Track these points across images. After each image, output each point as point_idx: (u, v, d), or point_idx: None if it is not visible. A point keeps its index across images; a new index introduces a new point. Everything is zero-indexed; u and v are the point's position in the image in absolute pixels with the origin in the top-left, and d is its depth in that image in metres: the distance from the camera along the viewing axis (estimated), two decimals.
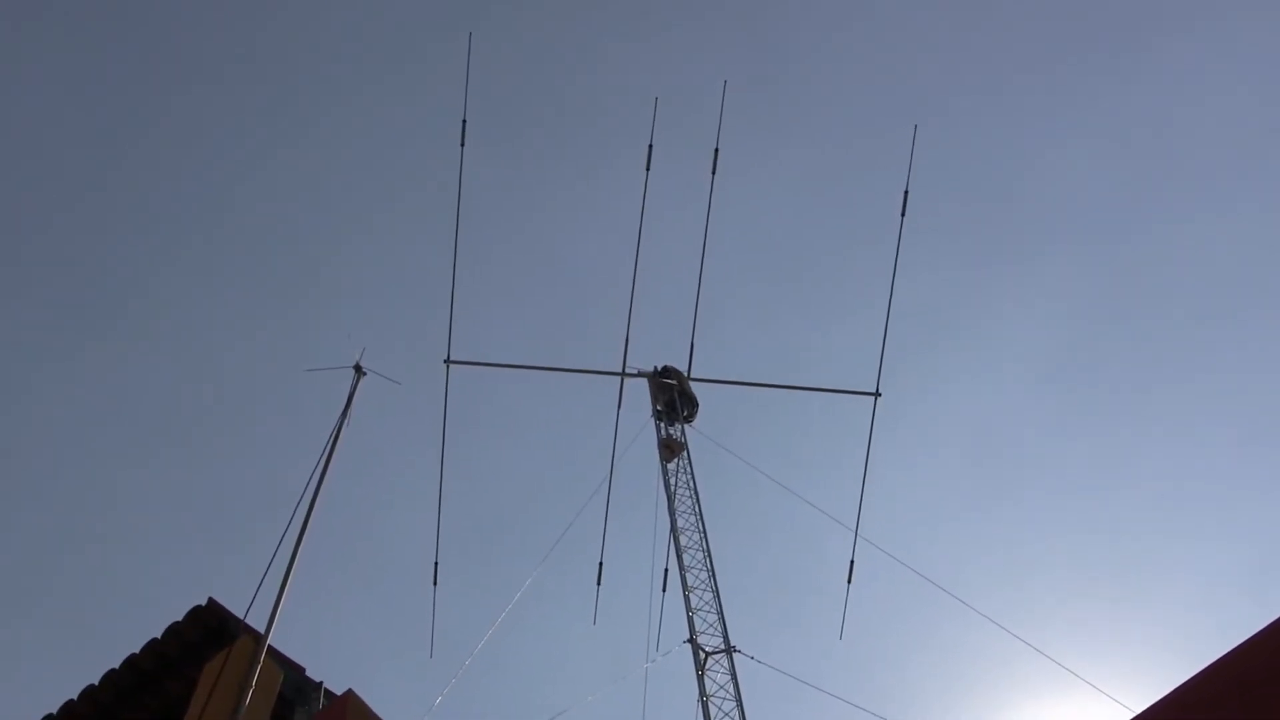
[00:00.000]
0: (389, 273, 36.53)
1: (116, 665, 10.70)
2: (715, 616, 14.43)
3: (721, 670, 13.66)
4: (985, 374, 35.96)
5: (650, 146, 18.12)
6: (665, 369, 18.61)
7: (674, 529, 15.82)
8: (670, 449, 17.38)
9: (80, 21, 33.30)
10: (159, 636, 10.70)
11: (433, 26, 35.83)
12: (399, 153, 36.22)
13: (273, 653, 9.60)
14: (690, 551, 15.43)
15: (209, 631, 10.61)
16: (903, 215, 18.03)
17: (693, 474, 16.88)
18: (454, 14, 34.98)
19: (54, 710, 10.69)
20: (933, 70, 35.73)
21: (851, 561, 17.17)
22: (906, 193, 18.04)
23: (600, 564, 17.62)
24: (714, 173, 18.29)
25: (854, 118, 36.08)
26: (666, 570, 16.45)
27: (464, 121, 17.57)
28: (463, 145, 17.55)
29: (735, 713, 13.11)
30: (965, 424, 35.32)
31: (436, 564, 17.30)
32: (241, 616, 9.83)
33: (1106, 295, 35.22)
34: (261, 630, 9.55)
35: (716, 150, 18.31)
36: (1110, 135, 34.86)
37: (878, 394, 17.80)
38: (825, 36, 36.34)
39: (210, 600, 10.70)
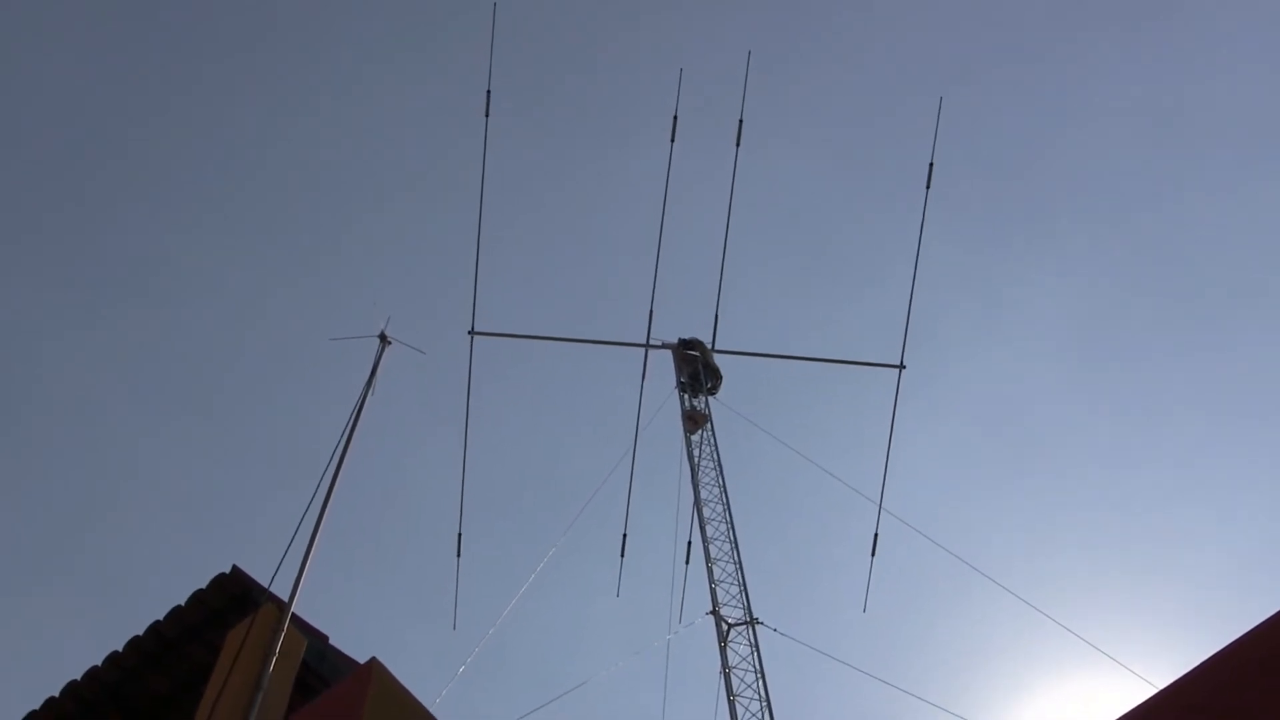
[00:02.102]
0: (414, 243, 36.61)
1: (140, 632, 10.75)
2: (738, 588, 14.44)
3: (744, 642, 13.67)
4: (1008, 347, 35.86)
5: (675, 118, 18.07)
6: (689, 341, 18.59)
7: (697, 501, 15.82)
8: (694, 421, 17.36)
9: None
10: (183, 604, 10.73)
11: None
12: (425, 124, 36.23)
13: (296, 620, 9.62)
14: (713, 523, 15.44)
15: (233, 599, 10.63)
16: (928, 188, 17.95)
17: (716, 446, 16.88)
18: None
19: (78, 676, 10.76)
20: (955, 44, 35.51)
21: (875, 534, 17.16)
22: (931, 165, 17.95)
23: (624, 536, 17.64)
24: (738, 144, 18.25)
25: (878, 90, 35.92)
26: (690, 542, 16.49)
27: (488, 92, 17.55)
28: (487, 116, 17.54)
29: (757, 685, 13.12)
30: (988, 398, 35.24)
31: (460, 535, 17.36)
32: (265, 584, 9.86)
33: (1128, 269, 35.05)
34: (285, 598, 9.58)
35: (741, 121, 18.25)
36: (1133, 108, 34.60)
37: (902, 366, 17.76)
38: (850, 9, 36.14)
39: (234, 568, 10.72)
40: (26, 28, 31.85)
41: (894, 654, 27.64)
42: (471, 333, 17.46)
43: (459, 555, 17.29)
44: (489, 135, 17.50)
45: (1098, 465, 34.25)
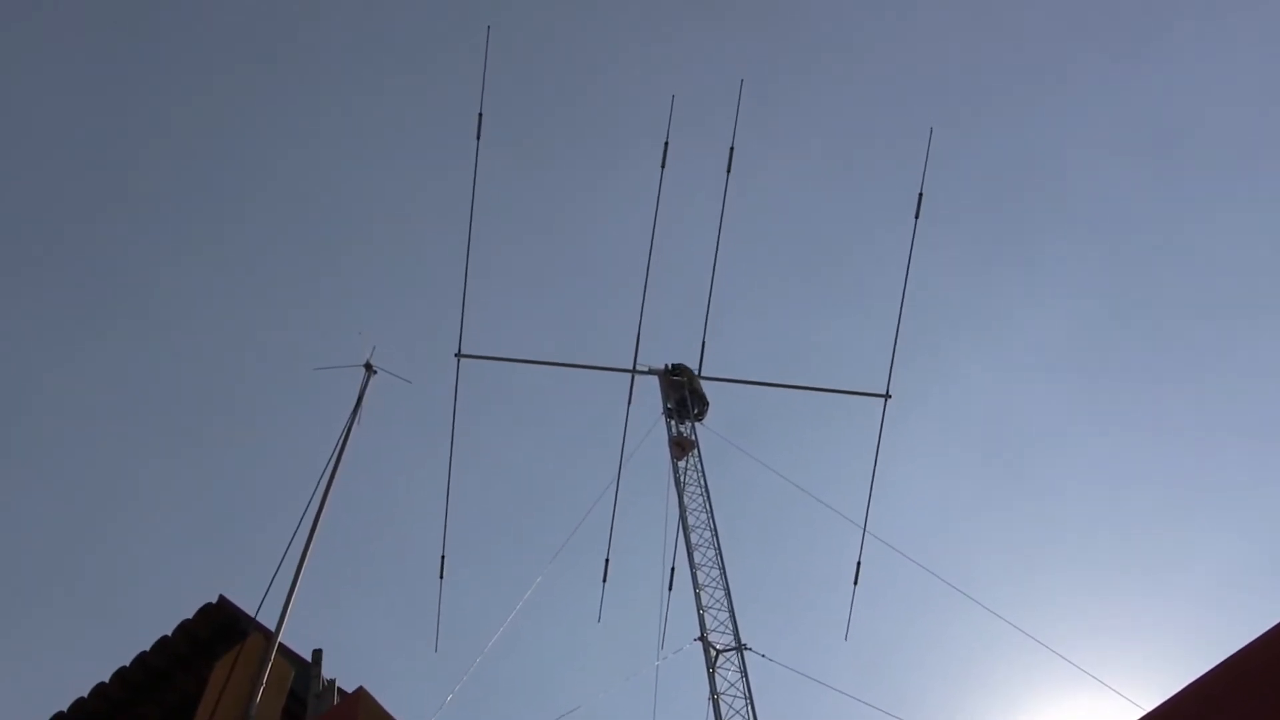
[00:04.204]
0: (402, 267, 36.59)
1: (127, 663, 10.71)
2: (726, 614, 14.43)
3: (732, 668, 13.65)
4: (998, 369, 35.92)
5: (666, 144, 18.08)
6: (675, 367, 18.59)
7: (685, 527, 15.81)
8: (681, 447, 17.34)
9: (91, 13, 33.39)
10: (170, 634, 10.70)
11: (450, 21, 35.86)
12: (413, 148, 36.26)
13: (283, 650, 9.60)
14: (701, 549, 15.42)
15: (220, 629, 10.61)
16: (916, 218, 17.97)
17: (703, 472, 16.86)
18: (472, 9, 35.02)
19: (64, 708, 10.71)
20: (946, 63, 35.70)
21: (858, 562, 17.11)
22: (921, 195, 17.97)
23: (606, 561, 17.60)
24: (729, 171, 18.26)
25: (868, 113, 36.09)
26: (674, 569, 16.49)
27: (480, 115, 17.53)
28: (478, 139, 17.53)
29: (746, 711, 13.10)
30: (978, 419, 35.27)
31: (443, 557, 17.31)
32: (252, 614, 9.84)
33: (1119, 289, 35.17)
34: (272, 627, 9.56)
35: (732, 149, 18.27)
36: (1124, 127, 34.82)
37: (887, 395, 17.77)
38: (838, 33, 36.32)
39: (221, 598, 10.70)
40: (14, 54, 31.90)
41: (884, 678, 27.61)
42: (458, 356, 17.45)
43: (441, 578, 17.27)
44: (480, 158, 17.53)
45: (1090, 485, 34.33)
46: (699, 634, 14.12)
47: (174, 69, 34.39)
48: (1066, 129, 35.14)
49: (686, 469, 16.95)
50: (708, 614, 14.39)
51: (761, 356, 32.75)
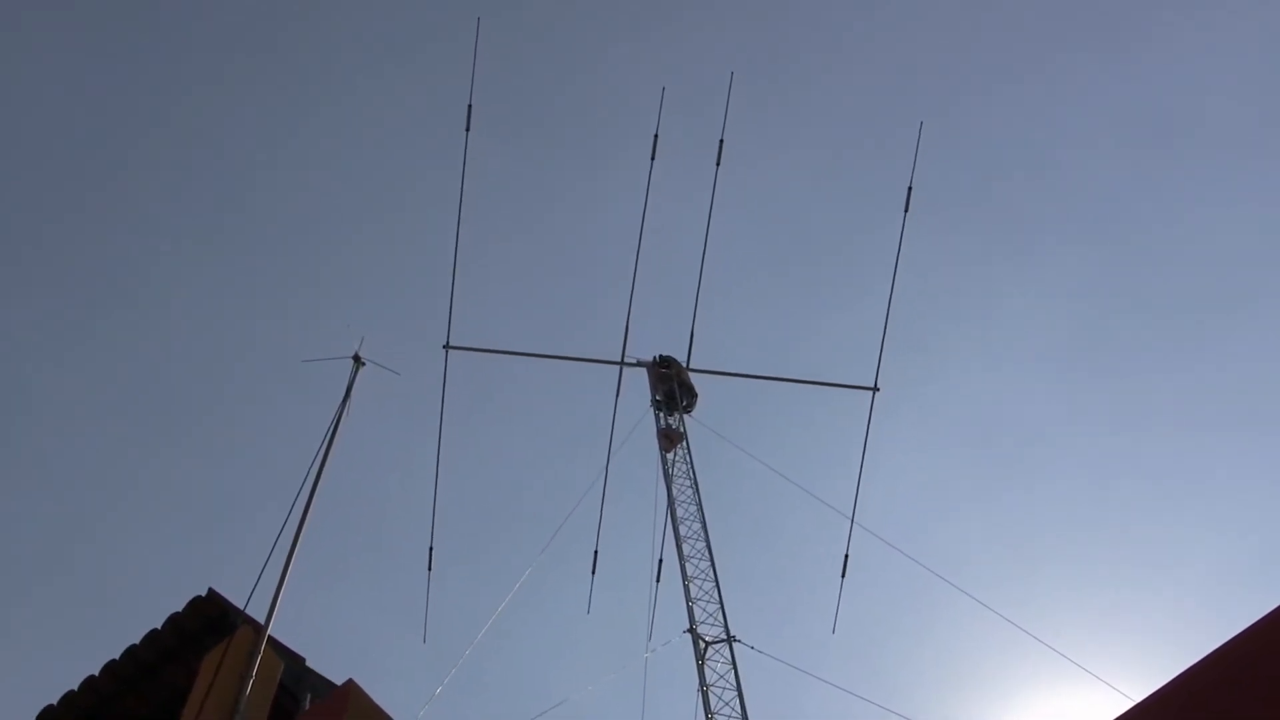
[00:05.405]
0: (390, 259, 36.51)
1: (117, 656, 10.70)
2: (715, 606, 14.42)
3: (722, 660, 13.64)
4: (989, 364, 35.90)
5: (655, 137, 18.08)
6: (663, 359, 18.58)
7: (674, 519, 15.80)
8: (670, 439, 17.34)
9: (82, 11, 33.28)
10: (159, 627, 10.69)
11: (439, 13, 35.77)
12: (400, 141, 36.19)
13: (272, 643, 9.60)
14: (690, 541, 15.41)
15: (209, 622, 10.60)
16: (905, 212, 18.00)
17: (692, 464, 16.86)
18: (461, 2, 34.93)
19: (54, 701, 10.69)
20: (938, 59, 35.68)
21: (846, 555, 17.15)
22: (910, 189, 17.99)
23: (595, 553, 17.63)
24: (718, 164, 18.27)
25: (859, 107, 36.03)
26: (661, 560, 16.53)
27: (469, 106, 17.52)
28: (468, 130, 17.51)
29: (736, 702, 13.10)
30: (969, 414, 35.25)
31: (431, 549, 17.33)
32: (242, 607, 9.85)
33: (1111, 284, 35.18)
34: (261, 620, 9.56)
35: (721, 141, 18.28)
36: (1116, 124, 34.81)
37: (875, 389, 17.79)
38: (831, 26, 36.30)
39: (210, 591, 10.69)
40: (6, 53, 31.77)
41: (874, 671, 27.62)
42: (447, 347, 17.43)
43: (430, 569, 17.28)
44: (469, 150, 17.50)
45: (1081, 479, 34.34)
46: (688, 626, 14.12)
47: (164, 66, 34.30)
48: (1058, 122, 35.19)
49: (675, 461, 16.95)
50: (697, 606, 14.38)
51: (751, 350, 32.72)
